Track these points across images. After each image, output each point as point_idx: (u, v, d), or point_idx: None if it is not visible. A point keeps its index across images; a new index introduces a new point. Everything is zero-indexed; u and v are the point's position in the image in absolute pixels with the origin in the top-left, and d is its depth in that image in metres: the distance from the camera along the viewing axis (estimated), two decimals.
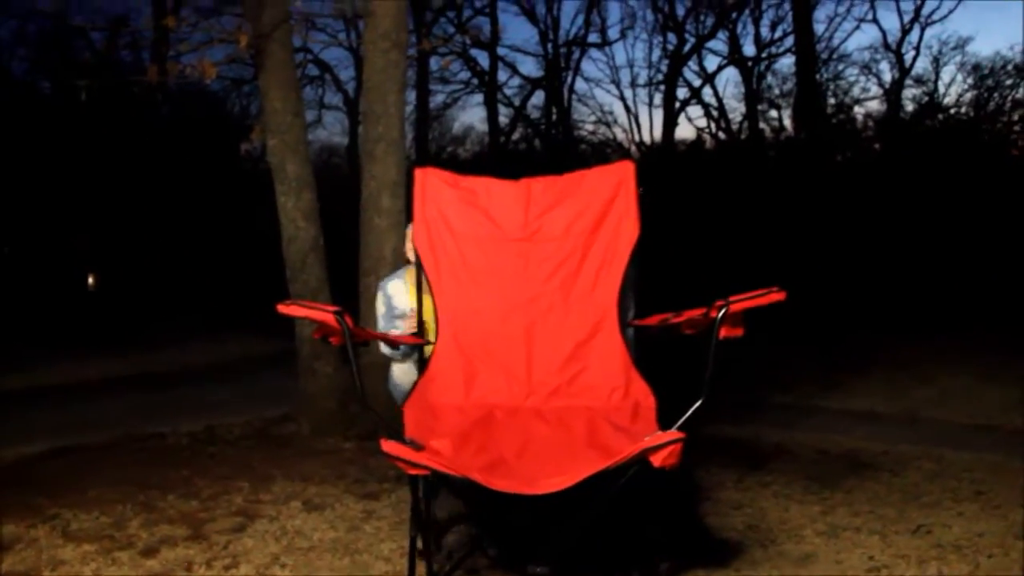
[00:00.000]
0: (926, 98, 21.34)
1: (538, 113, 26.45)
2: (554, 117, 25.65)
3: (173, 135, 19.77)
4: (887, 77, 22.30)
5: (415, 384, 3.72)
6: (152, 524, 4.59)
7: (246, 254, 18.82)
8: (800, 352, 9.85)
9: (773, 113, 23.58)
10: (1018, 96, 19.79)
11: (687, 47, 23.84)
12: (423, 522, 3.39)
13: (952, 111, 20.78)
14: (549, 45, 24.94)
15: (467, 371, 3.56)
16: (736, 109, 25.38)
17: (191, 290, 19.04)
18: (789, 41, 22.40)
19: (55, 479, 5.54)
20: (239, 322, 15.20)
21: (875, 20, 23.08)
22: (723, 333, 2.82)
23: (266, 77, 6.71)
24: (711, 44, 24.15)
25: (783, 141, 22.49)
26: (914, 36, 21.93)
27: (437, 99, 26.02)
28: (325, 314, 2.89)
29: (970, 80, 20.68)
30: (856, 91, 22.62)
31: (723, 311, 2.78)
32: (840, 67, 22.78)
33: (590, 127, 26.74)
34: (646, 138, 25.27)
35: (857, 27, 26.65)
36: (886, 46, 21.95)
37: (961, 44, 21.43)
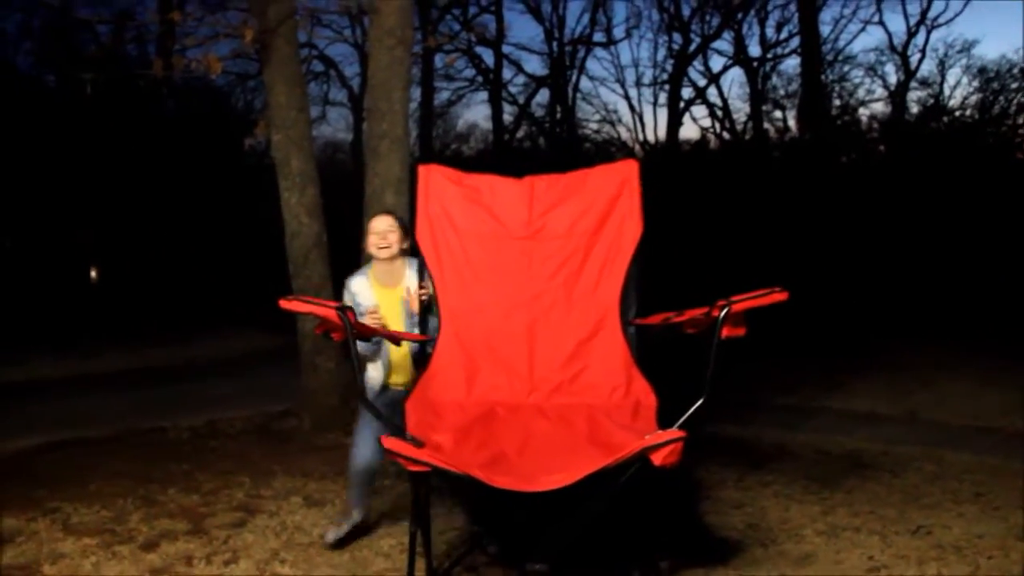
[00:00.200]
0: (931, 100, 21.30)
1: (542, 111, 26.44)
2: (558, 115, 25.63)
3: (178, 130, 19.75)
4: (892, 79, 22.27)
5: (379, 381, 3.87)
6: (152, 518, 4.60)
7: (249, 249, 18.81)
8: (803, 353, 9.85)
9: (778, 114, 23.57)
10: (1023, 99, 19.76)
11: (692, 47, 23.80)
12: (423, 518, 3.39)
13: (957, 114, 20.72)
14: (554, 43, 24.91)
15: (469, 368, 3.57)
16: (740, 109, 25.29)
17: (194, 285, 19.05)
18: (795, 42, 22.37)
19: (56, 472, 5.55)
20: (241, 317, 15.23)
21: (881, 22, 22.85)
22: (725, 333, 2.83)
23: (271, 72, 6.72)
24: (716, 44, 24.16)
25: (787, 142, 22.43)
26: (920, 38, 21.88)
27: (442, 96, 26.03)
28: (327, 310, 2.90)
29: (975, 83, 20.64)
30: (861, 93, 22.58)
31: (725, 311, 2.78)
32: (845, 69, 22.76)
33: (594, 126, 26.70)
34: (650, 137, 25.21)
35: (863, 29, 26.61)
36: (892, 48, 21.93)
37: (967, 47, 21.36)
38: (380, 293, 3.90)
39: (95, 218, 18.89)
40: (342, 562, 3.97)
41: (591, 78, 31.28)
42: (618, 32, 26.12)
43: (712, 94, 24.51)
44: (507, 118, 25.87)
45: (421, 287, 3.72)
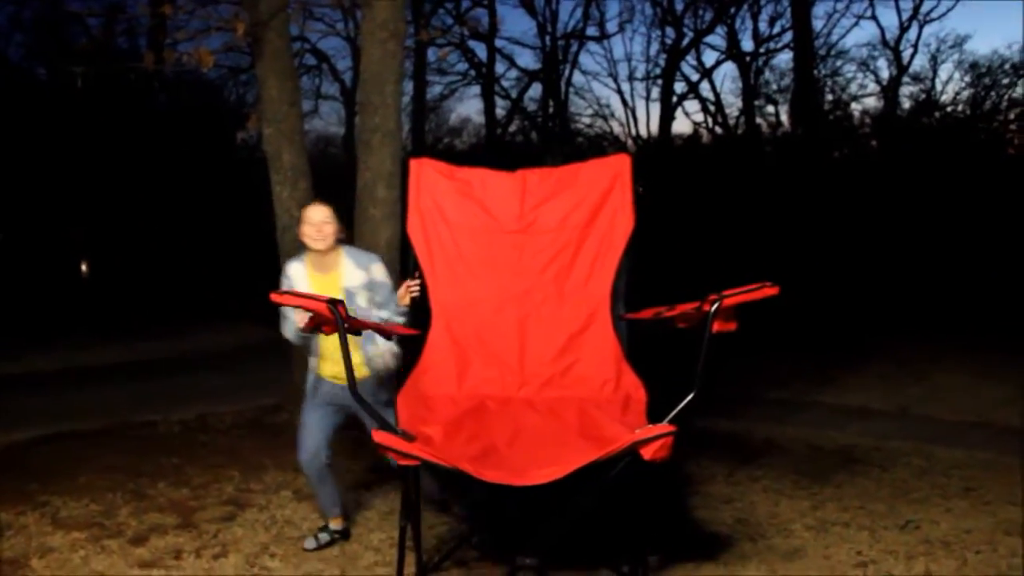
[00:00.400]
0: (923, 96, 21.37)
1: (535, 106, 26.44)
2: (551, 110, 25.61)
3: (169, 123, 19.68)
4: (885, 74, 22.32)
5: (314, 371, 3.89)
6: (142, 512, 4.59)
7: (241, 243, 18.76)
8: (795, 348, 9.86)
9: (770, 109, 23.59)
10: (1015, 95, 19.82)
11: (685, 41, 23.82)
12: (413, 513, 3.39)
13: (949, 109, 20.79)
14: (547, 38, 24.90)
15: (460, 362, 3.57)
16: (733, 104, 25.34)
17: (186, 279, 18.99)
18: (787, 37, 22.40)
19: (46, 466, 5.53)
20: (233, 311, 15.17)
21: (874, 17, 23.04)
22: (716, 327, 2.83)
23: (263, 66, 6.69)
24: (709, 39, 24.12)
25: (780, 137, 22.47)
26: (912, 33, 22.03)
27: (434, 90, 25.99)
28: (318, 303, 2.89)
29: (967, 78, 20.70)
30: (853, 88, 22.66)
31: (716, 305, 2.79)
32: (838, 63, 22.83)
33: (587, 120, 26.76)
34: (643, 132, 25.23)
35: (856, 24, 26.84)
36: (884, 43, 21.98)
37: (959, 42, 21.46)
38: (314, 278, 3.88)
39: (87, 212, 18.81)
40: (331, 556, 3.97)
41: (584, 72, 31.44)
42: (611, 26, 25.99)
43: (705, 89, 24.61)
44: (500, 112, 25.87)
45: (412, 279, 3.71)
